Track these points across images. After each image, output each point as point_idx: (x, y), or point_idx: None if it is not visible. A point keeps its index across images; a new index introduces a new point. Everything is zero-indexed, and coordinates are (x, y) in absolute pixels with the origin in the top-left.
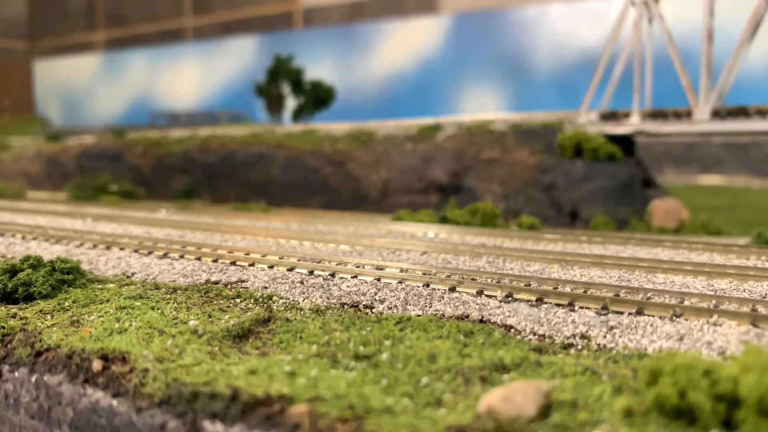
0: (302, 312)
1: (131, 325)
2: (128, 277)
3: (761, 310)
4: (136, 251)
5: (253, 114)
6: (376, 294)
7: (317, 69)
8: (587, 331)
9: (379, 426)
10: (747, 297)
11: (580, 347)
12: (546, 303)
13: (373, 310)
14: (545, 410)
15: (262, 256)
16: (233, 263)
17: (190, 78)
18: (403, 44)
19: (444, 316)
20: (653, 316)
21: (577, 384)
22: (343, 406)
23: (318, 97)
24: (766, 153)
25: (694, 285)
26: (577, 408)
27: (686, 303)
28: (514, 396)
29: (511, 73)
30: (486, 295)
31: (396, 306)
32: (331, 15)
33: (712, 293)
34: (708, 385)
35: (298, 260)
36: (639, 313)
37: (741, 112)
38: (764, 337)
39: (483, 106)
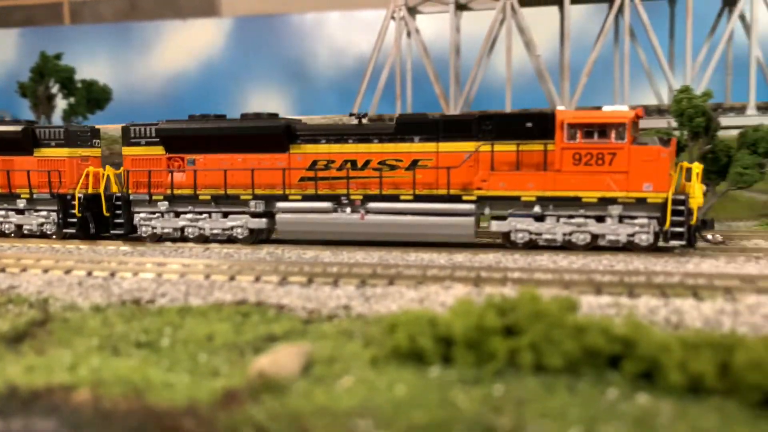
0: (81, 311)
1: None
2: None
3: (483, 274)
4: None
5: (18, 114)
6: (157, 289)
7: (91, 68)
8: (349, 303)
9: (160, 397)
10: (476, 266)
11: (342, 316)
12: (315, 283)
13: (155, 304)
14: (308, 367)
15: (36, 261)
16: (2, 270)
17: None
18: (184, 45)
19: (224, 303)
20: (401, 286)
21: (335, 344)
22: (126, 386)
23: (91, 98)
24: None
25: (438, 260)
26: (334, 362)
27: (428, 273)
28: (280, 358)
29: (293, 77)
30: (263, 281)
31: (178, 298)
32: (103, 11)
33: (449, 265)
34: (431, 331)
35: (76, 263)
36: (390, 284)
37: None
38: (482, 294)
39: (268, 108)
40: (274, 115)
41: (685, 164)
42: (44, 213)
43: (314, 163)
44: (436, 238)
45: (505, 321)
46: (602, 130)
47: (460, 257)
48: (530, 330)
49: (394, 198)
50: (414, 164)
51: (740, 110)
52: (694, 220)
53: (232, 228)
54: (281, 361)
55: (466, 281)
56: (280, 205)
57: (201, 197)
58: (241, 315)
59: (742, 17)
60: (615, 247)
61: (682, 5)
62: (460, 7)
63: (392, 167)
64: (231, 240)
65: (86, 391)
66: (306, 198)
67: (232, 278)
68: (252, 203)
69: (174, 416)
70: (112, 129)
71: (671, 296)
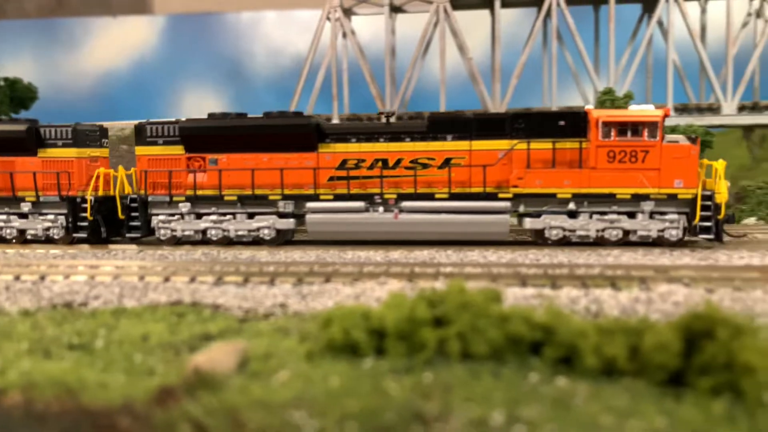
0: (10, 316)
1: None
2: None
3: (417, 270)
4: None
5: None
6: (90, 291)
7: (14, 66)
8: (285, 301)
9: (95, 397)
10: (410, 262)
11: (278, 314)
12: (252, 282)
13: (88, 306)
14: (244, 363)
15: None
16: None
17: None
18: (115, 42)
19: (159, 303)
20: (338, 283)
21: (271, 341)
22: (59, 387)
23: (15, 96)
24: None
25: (374, 257)
26: (270, 358)
27: (364, 270)
28: (215, 355)
29: (229, 76)
30: (199, 282)
31: (111, 300)
32: (27, 7)
33: (385, 262)
34: (365, 324)
35: (2, 267)
36: (327, 281)
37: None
38: (415, 288)
39: (204, 107)
40: (299, 114)
41: (706, 161)
42: (51, 217)
43: (344, 162)
44: (470, 237)
45: (435, 312)
46: (635, 128)
47: (396, 254)
48: (458, 320)
49: (429, 197)
50: (447, 162)
51: None
52: (722, 215)
53: (258, 229)
54: (217, 358)
55: (401, 277)
56: (311, 205)
57: (226, 198)
58: (177, 315)
59: (660, 23)
60: (645, 243)
61: (606, 11)
62: (395, 9)
63: (424, 166)
64: (256, 241)
65: (17, 393)
66: (338, 198)
67: (166, 279)
68: (281, 203)
69: (109, 415)
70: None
71: (591, 287)
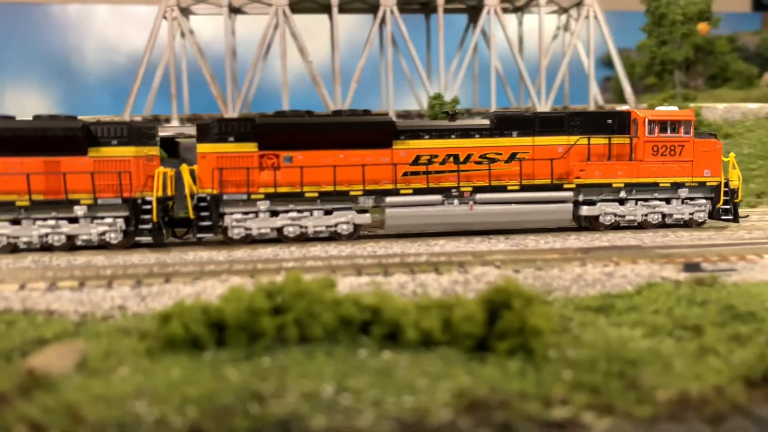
0: None
1: None
2: None
3: (259, 266)
4: None
5: None
6: None
7: None
8: (124, 303)
9: None
10: (254, 259)
11: (117, 316)
12: (88, 286)
13: None
14: (82, 363)
15: None
16: None
17: None
18: None
19: None
20: (178, 283)
21: (110, 341)
22: None
23: None
24: None
25: (216, 257)
26: (110, 356)
27: (205, 269)
28: (51, 357)
29: (58, 74)
30: (29, 288)
31: None
32: None
33: (227, 261)
34: (204, 318)
35: None
36: (167, 282)
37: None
38: (257, 283)
39: (29, 106)
40: (368, 111)
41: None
42: (109, 220)
43: (417, 158)
44: (537, 224)
45: (274, 302)
46: (674, 126)
47: (240, 253)
48: (295, 307)
49: (502, 188)
50: (513, 157)
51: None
52: (739, 198)
53: (336, 225)
54: (53, 360)
55: (243, 273)
56: (390, 199)
57: (307, 195)
58: (5, 323)
59: (483, 33)
60: (677, 225)
61: (436, 19)
62: (234, 11)
63: (492, 160)
64: (332, 237)
65: None
66: (416, 192)
67: None
68: (361, 199)
69: None
70: None
71: (418, 272)
